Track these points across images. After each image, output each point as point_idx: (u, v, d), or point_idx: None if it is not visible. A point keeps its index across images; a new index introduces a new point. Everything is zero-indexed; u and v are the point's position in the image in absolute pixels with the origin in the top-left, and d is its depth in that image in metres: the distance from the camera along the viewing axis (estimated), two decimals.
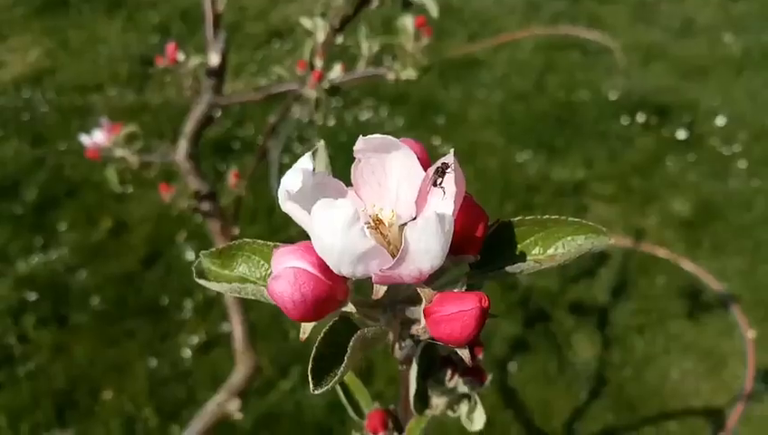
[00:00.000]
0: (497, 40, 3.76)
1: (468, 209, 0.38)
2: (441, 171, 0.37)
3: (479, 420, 0.48)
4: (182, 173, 1.15)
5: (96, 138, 1.13)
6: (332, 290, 0.36)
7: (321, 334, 0.36)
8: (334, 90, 0.96)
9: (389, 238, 0.38)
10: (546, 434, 2.10)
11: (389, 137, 0.38)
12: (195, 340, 2.30)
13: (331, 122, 3.11)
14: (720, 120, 3.27)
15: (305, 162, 0.36)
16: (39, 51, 3.78)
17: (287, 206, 0.36)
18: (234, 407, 1.19)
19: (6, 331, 2.30)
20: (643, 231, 2.68)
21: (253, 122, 3.24)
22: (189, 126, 1.09)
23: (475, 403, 0.47)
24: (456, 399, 0.47)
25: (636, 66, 3.67)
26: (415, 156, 0.38)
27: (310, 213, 0.34)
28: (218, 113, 3.59)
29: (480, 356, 0.47)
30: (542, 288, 2.48)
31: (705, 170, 3.00)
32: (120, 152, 1.12)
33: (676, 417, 2.12)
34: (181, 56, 1.06)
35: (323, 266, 0.36)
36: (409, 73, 0.99)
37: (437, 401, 0.47)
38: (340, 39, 0.98)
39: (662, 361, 2.26)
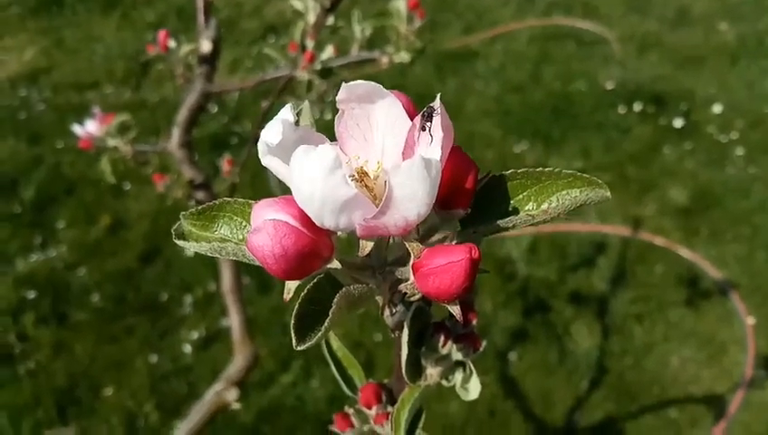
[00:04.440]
0: (493, 32, 3.75)
1: (457, 159, 0.36)
2: (428, 115, 0.35)
3: (474, 388, 0.46)
4: (176, 162, 1.15)
5: (89, 128, 1.13)
6: (315, 244, 0.34)
7: (305, 291, 0.34)
8: (326, 72, 0.96)
9: (375, 192, 0.36)
10: (547, 424, 2.10)
11: (374, 83, 0.36)
12: (195, 335, 2.29)
13: (328, 116, 3.10)
14: (717, 108, 3.26)
15: (286, 113, 0.34)
16: (35, 50, 3.78)
17: (266, 160, 0.34)
18: (232, 396, 1.19)
19: (6, 329, 2.30)
20: (641, 220, 2.68)
21: (249, 118, 3.24)
22: (182, 114, 1.08)
23: (470, 372, 0.46)
24: (450, 368, 0.46)
25: (631, 56, 3.66)
26: (401, 105, 0.37)
27: None
28: (215, 109, 3.53)
29: (474, 322, 0.46)
30: (541, 278, 2.48)
31: (702, 158, 2.99)
32: (112, 142, 1.11)
33: (676, 404, 2.12)
34: (172, 44, 1.06)
35: (305, 219, 0.34)
36: (403, 57, 0.99)
37: (431, 371, 0.46)
38: (331, 20, 0.97)
39: (662, 348, 2.26)
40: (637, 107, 3.28)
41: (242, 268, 1.56)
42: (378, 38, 1.21)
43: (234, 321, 1.30)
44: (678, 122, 3.19)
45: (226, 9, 4.12)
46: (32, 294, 2.41)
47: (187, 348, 2.26)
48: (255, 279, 2.42)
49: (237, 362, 1.24)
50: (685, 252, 2.52)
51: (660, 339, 2.28)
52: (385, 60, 1.01)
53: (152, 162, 1.32)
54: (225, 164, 1.33)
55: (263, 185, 2.64)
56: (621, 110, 3.28)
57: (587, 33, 3.69)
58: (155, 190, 1.55)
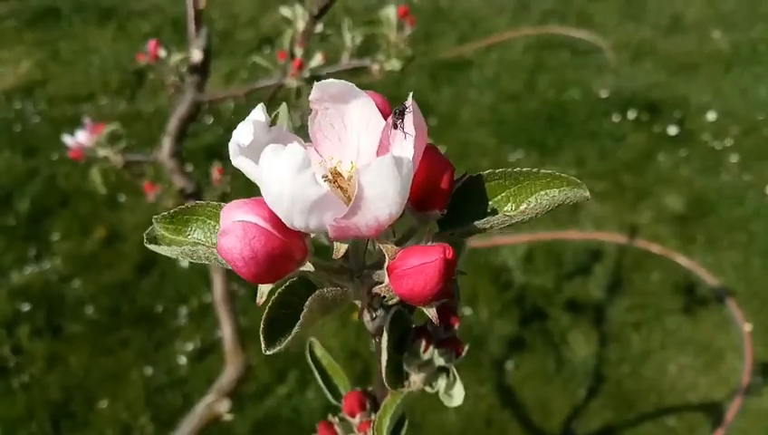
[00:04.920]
0: (487, 41, 3.77)
1: (432, 159, 0.36)
2: (400, 113, 0.34)
3: (458, 395, 0.45)
4: (167, 171, 1.15)
5: (79, 138, 1.12)
6: (287, 247, 0.33)
7: (276, 294, 0.34)
8: (315, 79, 0.95)
9: (349, 193, 0.35)
10: (545, 433, 2.09)
11: (346, 82, 0.35)
12: (190, 347, 2.28)
13: None
14: (711, 116, 3.27)
15: (257, 114, 0.33)
16: (30, 62, 3.78)
17: (238, 161, 0.33)
18: (224, 408, 1.18)
19: (0, 342, 2.28)
20: (637, 227, 2.68)
21: None
22: (172, 124, 1.08)
23: (454, 378, 0.45)
24: (433, 373, 0.46)
25: (626, 64, 3.67)
26: (374, 104, 0.36)
27: None
28: (210, 120, 3.53)
29: (456, 326, 0.45)
30: (538, 286, 2.47)
31: (697, 165, 3.00)
32: (102, 152, 1.11)
33: (674, 412, 2.11)
34: (163, 53, 1.06)
35: (276, 221, 0.33)
36: (393, 64, 0.99)
37: (415, 378, 0.46)
38: (320, 27, 0.97)
39: (659, 356, 2.25)
40: (631, 115, 3.29)
41: (235, 278, 1.56)
42: (371, 46, 1.21)
43: (225, 331, 1.29)
44: (673, 130, 3.20)
45: (222, 20, 4.13)
46: (26, 307, 2.40)
47: (183, 360, 2.24)
48: (250, 289, 2.41)
49: (229, 373, 1.23)
50: (681, 259, 2.52)
51: (657, 346, 2.28)
52: (376, 67, 1.00)
53: (147, 174, 1.31)
54: (215, 173, 1.33)
55: (256, 194, 2.64)
56: (616, 118, 3.29)
57: (581, 42, 3.71)
58: (149, 202, 1.54)
